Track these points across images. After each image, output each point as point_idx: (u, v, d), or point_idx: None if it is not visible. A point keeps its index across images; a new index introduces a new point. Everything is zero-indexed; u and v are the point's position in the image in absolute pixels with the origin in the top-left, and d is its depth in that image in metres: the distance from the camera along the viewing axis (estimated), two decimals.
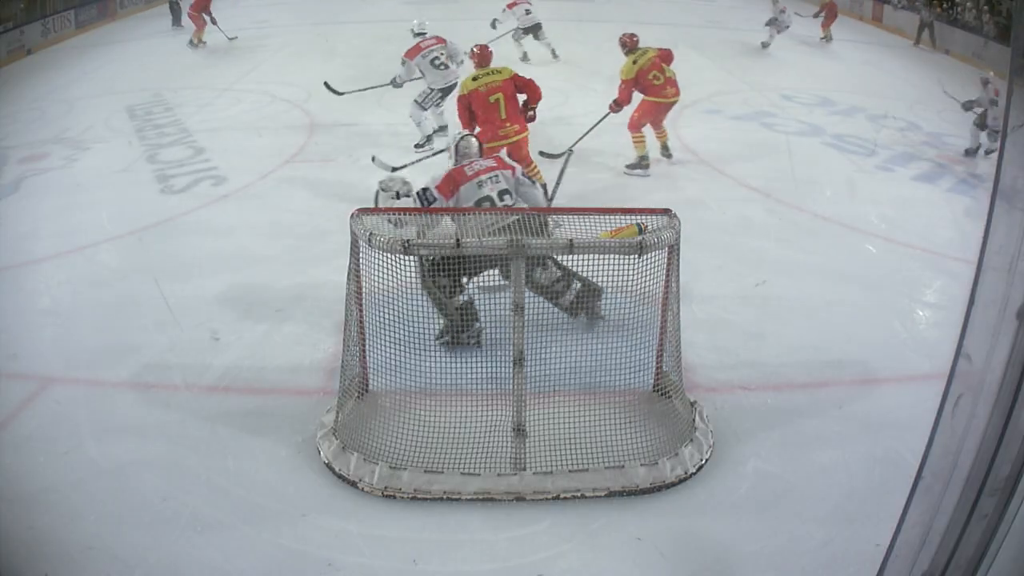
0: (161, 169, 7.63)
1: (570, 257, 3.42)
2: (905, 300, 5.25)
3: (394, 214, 3.73)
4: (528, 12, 11.83)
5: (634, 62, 7.09)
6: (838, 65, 12.75)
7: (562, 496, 3.40)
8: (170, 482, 3.49)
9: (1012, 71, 1.41)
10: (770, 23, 13.54)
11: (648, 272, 3.53)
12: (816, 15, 14.74)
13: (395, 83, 8.00)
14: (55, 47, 14.16)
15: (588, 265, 3.46)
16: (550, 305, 4.36)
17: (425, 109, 7.77)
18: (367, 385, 3.88)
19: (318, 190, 7.00)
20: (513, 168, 4.51)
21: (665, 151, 7.60)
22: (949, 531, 1.60)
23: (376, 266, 3.47)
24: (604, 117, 7.35)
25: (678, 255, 3.68)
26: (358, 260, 3.59)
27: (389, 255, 3.38)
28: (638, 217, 3.68)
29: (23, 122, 9.32)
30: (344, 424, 3.71)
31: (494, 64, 6.54)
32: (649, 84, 7.09)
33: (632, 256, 3.39)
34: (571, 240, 3.38)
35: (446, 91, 7.67)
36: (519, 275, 3.34)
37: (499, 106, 5.97)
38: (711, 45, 13.42)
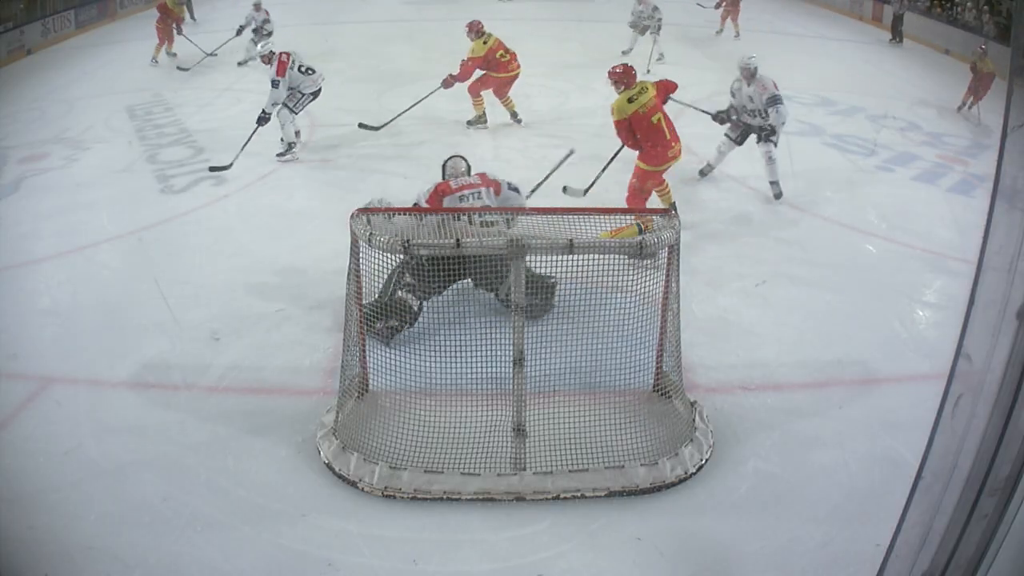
0: (161, 169, 7.63)
1: (570, 257, 3.43)
2: (905, 300, 5.25)
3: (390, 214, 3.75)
4: (267, 14, 12.52)
5: (484, 43, 8.33)
6: (838, 65, 12.74)
7: (562, 496, 3.40)
8: (170, 482, 3.49)
9: (1012, 71, 1.41)
10: (633, 25, 12.08)
11: (648, 272, 3.53)
12: (717, 6, 14.11)
13: (263, 119, 7.60)
14: (55, 47, 14.15)
15: (588, 265, 3.46)
16: (548, 305, 4.39)
17: (296, 113, 7.80)
18: (367, 385, 3.88)
19: (318, 190, 7.01)
20: (497, 184, 4.76)
21: (515, 117, 8.76)
22: (949, 531, 1.60)
23: (376, 266, 3.47)
24: (433, 91, 8.52)
25: (678, 255, 3.68)
26: (358, 260, 3.60)
27: (389, 255, 3.38)
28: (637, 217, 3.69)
29: (23, 122, 9.31)
30: (344, 424, 3.71)
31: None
32: (497, 61, 8.36)
33: (632, 256, 3.39)
34: (571, 240, 3.38)
35: (315, 95, 7.85)
36: (519, 275, 3.34)
37: (662, 127, 5.61)
38: (711, 45, 13.40)
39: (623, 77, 5.75)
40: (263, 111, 7.57)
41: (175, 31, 12.59)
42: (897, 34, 14.60)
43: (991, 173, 1.47)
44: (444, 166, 5.05)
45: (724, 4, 14.01)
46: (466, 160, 5.07)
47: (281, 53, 7.65)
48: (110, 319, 4.89)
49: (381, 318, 4.30)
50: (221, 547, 3.16)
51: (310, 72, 7.76)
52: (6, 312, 5.02)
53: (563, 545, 3.18)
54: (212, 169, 7.47)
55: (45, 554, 3.11)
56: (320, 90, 7.86)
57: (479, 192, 4.65)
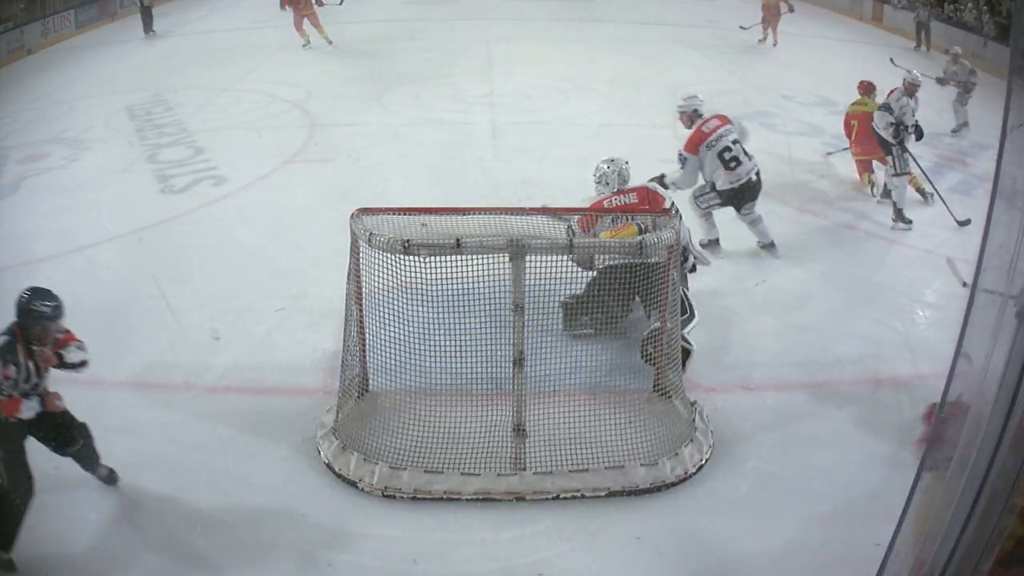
0: (161, 169, 7.63)
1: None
2: (905, 300, 5.25)
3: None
4: None
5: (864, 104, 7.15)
6: (838, 65, 12.73)
7: (562, 496, 3.40)
8: (170, 482, 3.49)
9: (1012, 71, 1.41)
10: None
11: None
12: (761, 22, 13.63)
13: None
14: (55, 47, 14.14)
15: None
16: (550, 305, 4.38)
17: None
18: (367, 385, 3.88)
19: (318, 190, 7.00)
20: (661, 211, 4.17)
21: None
22: (949, 531, 1.60)
23: (376, 266, 3.47)
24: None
25: (678, 255, 3.68)
26: (358, 260, 3.60)
27: (389, 255, 3.38)
28: (638, 217, 3.69)
29: (23, 122, 9.31)
30: (344, 424, 3.71)
31: None
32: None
33: (632, 256, 3.39)
34: (571, 240, 3.39)
35: None
36: (519, 275, 3.34)
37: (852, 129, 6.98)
38: (711, 45, 13.40)
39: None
40: None
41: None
42: (925, 42, 14.24)
43: (991, 173, 1.47)
44: (606, 171, 4.50)
45: (764, 16, 13.73)
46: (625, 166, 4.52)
47: None
48: (110, 319, 4.88)
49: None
50: (221, 547, 3.16)
51: None
52: (6, 312, 5.01)
53: (563, 545, 3.18)
54: None
55: (45, 554, 3.11)
56: None
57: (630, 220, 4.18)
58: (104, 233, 6.19)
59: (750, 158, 5.45)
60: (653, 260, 3.62)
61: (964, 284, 4.21)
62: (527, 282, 3.36)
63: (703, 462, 3.58)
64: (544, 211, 4.11)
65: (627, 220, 4.10)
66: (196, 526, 3.25)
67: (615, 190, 4.43)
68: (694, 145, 5.40)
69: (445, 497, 3.38)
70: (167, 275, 5.40)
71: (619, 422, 3.61)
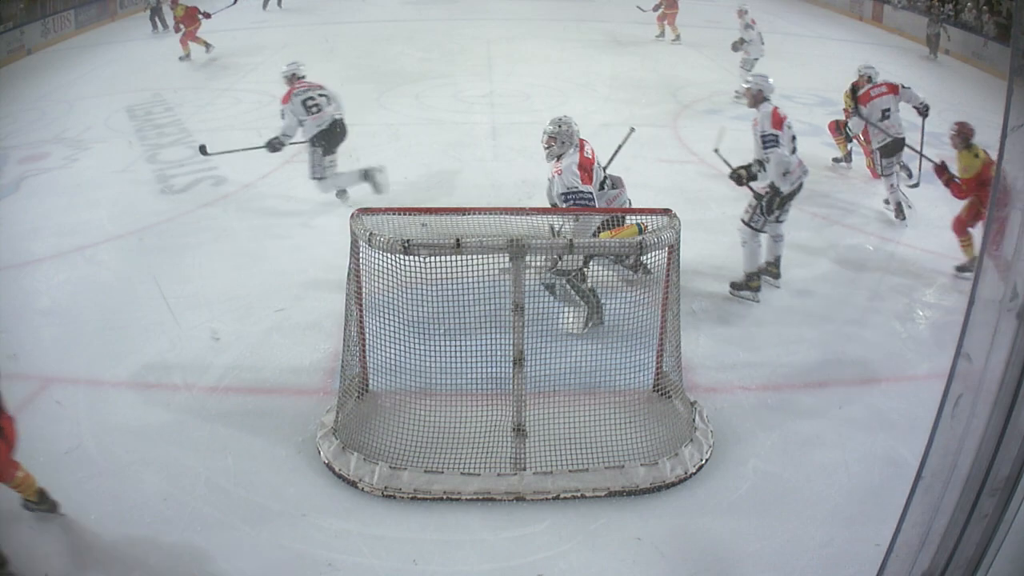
0: (161, 169, 7.63)
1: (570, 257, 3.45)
2: (905, 300, 5.25)
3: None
4: None
5: (976, 156, 5.77)
6: (838, 65, 12.73)
7: (562, 496, 3.40)
8: (170, 482, 3.49)
9: (1012, 71, 1.41)
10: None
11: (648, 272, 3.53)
12: (655, 8, 13.76)
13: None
14: (55, 47, 14.15)
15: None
16: (550, 305, 4.38)
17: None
18: (367, 385, 3.88)
19: (318, 190, 6.99)
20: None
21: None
22: (949, 531, 1.60)
23: (376, 266, 3.47)
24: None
25: (678, 255, 3.68)
26: (358, 260, 3.60)
27: (389, 255, 3.38)
28: (638, 217, 3.69)
29: (23, 122, 9.31)
30: (344, 424, 3.71)
31: None
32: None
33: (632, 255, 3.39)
34: (571, 240, 3.39)
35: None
36: (519, 275, 3.34)
37: None
38: (711, 45, 13.40)
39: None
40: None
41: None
42: (933, 50, 14.26)
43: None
44: (563, 130, 4.61)
45: (662, 7, 13.69)
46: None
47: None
48: (110, 319, 4.89)
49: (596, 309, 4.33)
50: (221, 547, 3.16)
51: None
52: (6, 312, 5.01)
53: (563, 545, 3.18)
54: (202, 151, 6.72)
55: (45, 554, 3.11)
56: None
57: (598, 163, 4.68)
58: (104, 233, 6.19)
59: (330, 103, 6.47)
60: None
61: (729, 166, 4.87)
62: (527, 282, 3.36)
63: (703, 462, 3.58)
64: (543, 211, 4.11)
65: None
66: (196, 526, 3.25)
67: (575, 145, 4.59)
68: (287, 97, 6.48)
69: (445, 497, 3.39)
70: (167, 275, 5.40)
71: (619, 422, 3.61)
